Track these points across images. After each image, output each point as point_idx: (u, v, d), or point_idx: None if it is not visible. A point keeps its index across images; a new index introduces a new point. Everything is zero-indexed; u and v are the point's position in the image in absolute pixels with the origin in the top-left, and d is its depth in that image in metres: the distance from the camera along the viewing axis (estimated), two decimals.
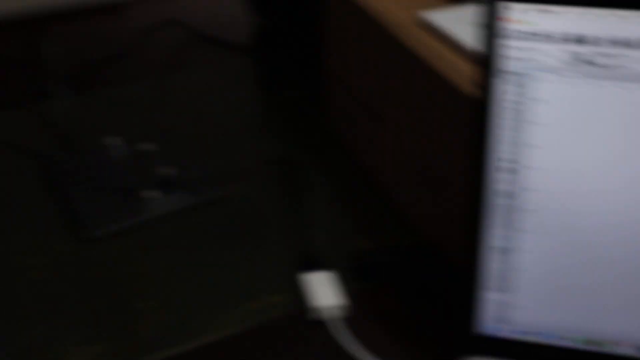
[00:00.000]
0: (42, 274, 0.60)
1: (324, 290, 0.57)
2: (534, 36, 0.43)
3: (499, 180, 0.46)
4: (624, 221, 0.45)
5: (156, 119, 0.78)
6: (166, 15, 0.98)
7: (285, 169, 0.71)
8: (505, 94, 0.45)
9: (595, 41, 0.43)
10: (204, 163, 0.71)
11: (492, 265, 0.48)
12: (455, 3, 0.61)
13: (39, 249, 0.62)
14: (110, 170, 0.69)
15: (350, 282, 0.59)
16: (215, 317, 0.56)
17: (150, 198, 0.66)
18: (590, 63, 0.43)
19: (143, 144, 0.73)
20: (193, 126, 0.77)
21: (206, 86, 0.84)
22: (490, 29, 0.44)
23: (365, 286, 0.59)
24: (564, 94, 0.44)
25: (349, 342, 0.54)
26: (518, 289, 0.48)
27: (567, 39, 0.43)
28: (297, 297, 0.58)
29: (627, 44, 0.42)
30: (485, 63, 0.45)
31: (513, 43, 0.44)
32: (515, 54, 0.44)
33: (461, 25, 0.56)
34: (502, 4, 0.43)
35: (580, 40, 0.43)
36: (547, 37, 0.43)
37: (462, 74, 0.53)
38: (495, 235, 0.47)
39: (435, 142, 0.56)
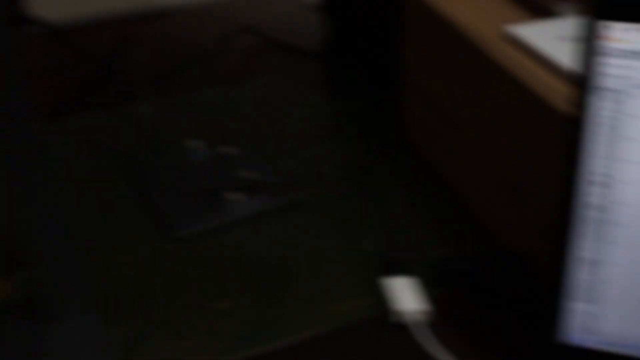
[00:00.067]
0: (133, 270, 0.63)
1: (406, 295, 0.58)
2: (634, 54, 0.44)
3: (590, 194, 0.48)
4: None
5: (232, 123, 0.81)
6: (240, 21, 1.00)
7: (360, 174, 0.73)
8: (600, 110, 0.46)
9: None
10: (280, 167, 0.73)
11: (580, 276, 0.49)
12: (540, 17, 0.62)
13: (130, 247, 0.65)
14: (193, 172, 0.72)
15: (431, 288, 0.60)
16: (298, 318, 0.58)
17: (233, 200, 0.68)
18: None
19: (224, 147, 0.75)
20: (268, 130, 0.79)
21: (279, 91, 0.86)
22: (589, 47, 0.45)
23: (445, 292, 0.60)
24: None
25: (432, 346, 0.55)
26: (605, 301, 0.49)
27: None
28: (379, 301, 0.59)
29: None
30: (581, 80, 0.46)
31: (612, 61, 0.45)
32: (613, 71, 0.45)
33: (549, 40, 0.57)
34: (602, 23, 0.45)
35: None
36: None
37: (552, 88, 0.54)
38: (584, 247, 0.49)
39: (521, 154, 0.58)
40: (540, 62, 0.57)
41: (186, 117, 0.81)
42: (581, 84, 0.46)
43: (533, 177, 0.57)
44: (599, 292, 0.49)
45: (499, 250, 0.63)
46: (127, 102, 0.84)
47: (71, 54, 0.93)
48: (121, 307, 0.59)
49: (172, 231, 0.66)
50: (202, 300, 0.60)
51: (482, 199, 0.65)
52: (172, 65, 0.91)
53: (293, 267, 0.63)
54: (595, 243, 0.48)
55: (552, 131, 0.53)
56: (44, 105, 0.64)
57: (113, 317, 0.59)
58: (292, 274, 0.62)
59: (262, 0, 1.06)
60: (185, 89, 0.87)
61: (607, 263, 0.48)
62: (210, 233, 0.66)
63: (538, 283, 0.58)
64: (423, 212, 0.68)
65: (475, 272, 0.61)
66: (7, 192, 0.66)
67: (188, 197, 0.69)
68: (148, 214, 0.68)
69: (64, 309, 0.56)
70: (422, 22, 0.69)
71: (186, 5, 1.04)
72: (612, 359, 0.50)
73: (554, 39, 0.57)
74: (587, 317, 0.50)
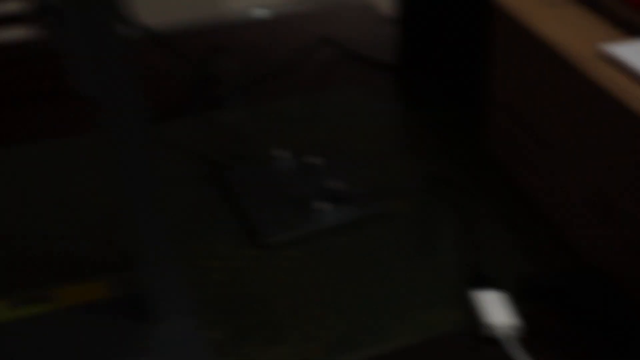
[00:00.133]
0: (226, 276, 0.65)
1: (497, 309, 0.59)
2: None
3: None
4: None
5: (313, 133, 0.82)
6: (319, 33, 1.02)
7: (443, 187, 0.74)
8: None
9: None
10: (364, 177, 0.75)
11: None
12: (632, 36, 0.62)
13: (221, 253, 0.67)
14: (281, 181, 0.73)
15: (521, 303, 0.61)
16: (389, 326, 0.59)
17: (321, 209, 0.69)
18: None
19: (308, 157, 0.77)
20: (348, 141, 0.80)
21: (357, 103, 0.87)
22: None
23: (535, 308, 0.60)
24: None
25: None
26: None
27: None
28: (469, 313, 0.60)
29: None
30: None
31: None
32: None
33: None
34: None
35: None
36: None
37: None
38: None
39: (615, 172, 0.58)
40: (638, 81, 0.57)
41: (269, 126, 0.83)
42: None
43: (628, 195, 0.57)
44: None
45: (588, 268, 0.63)
46: (216, 109, 0.86)
47: (165, 60, 0.96)
48: (217, 311, 0.61)
49: (261, 238, 0.68)
50: (294, 307, 0.61)
51: (570, 215, 0.65)
52: (257, 74, 0.93)
53: (381, 276, 0.64)
54: None
55: None
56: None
57: (209, 321, 0.60)
58: (381, 283, 0.63)
59: (341, 13, 1.07)
60: (268, 99, 0.89)
61: None
62: (298, 241, 0.68)
63: (629, 302, 0.59)
64: (507, 227, 0.69)
65: (566, 290, 0.61)
66: (111, 196, 0.68)
67: (276, 205, 0.70)
68: (237, 221, 0.70)
69: (164, 310, 0.58)
70: (512, 38, 0.70)
71: (266, 17, 1.06)
72: None
73: None
74: None
